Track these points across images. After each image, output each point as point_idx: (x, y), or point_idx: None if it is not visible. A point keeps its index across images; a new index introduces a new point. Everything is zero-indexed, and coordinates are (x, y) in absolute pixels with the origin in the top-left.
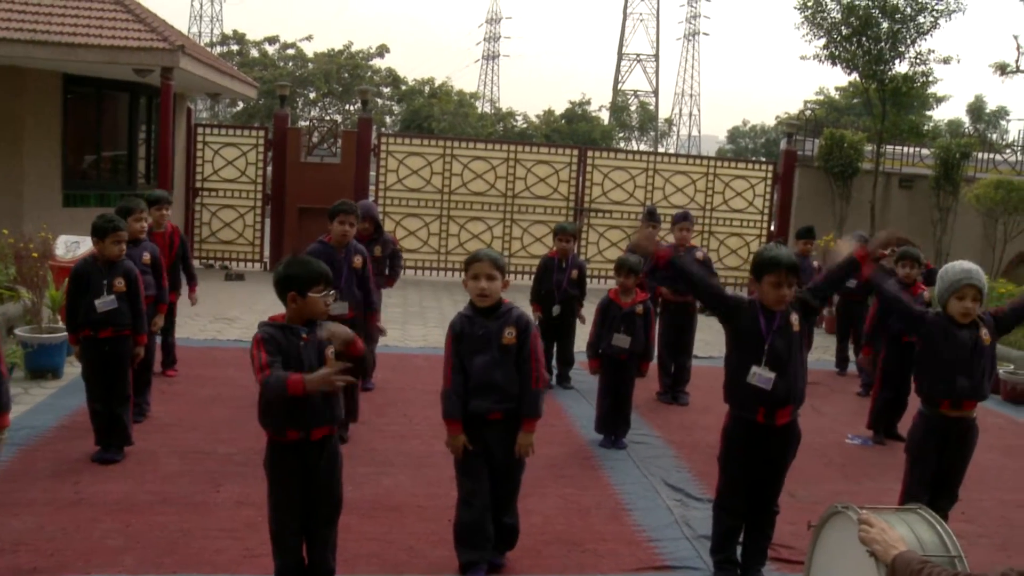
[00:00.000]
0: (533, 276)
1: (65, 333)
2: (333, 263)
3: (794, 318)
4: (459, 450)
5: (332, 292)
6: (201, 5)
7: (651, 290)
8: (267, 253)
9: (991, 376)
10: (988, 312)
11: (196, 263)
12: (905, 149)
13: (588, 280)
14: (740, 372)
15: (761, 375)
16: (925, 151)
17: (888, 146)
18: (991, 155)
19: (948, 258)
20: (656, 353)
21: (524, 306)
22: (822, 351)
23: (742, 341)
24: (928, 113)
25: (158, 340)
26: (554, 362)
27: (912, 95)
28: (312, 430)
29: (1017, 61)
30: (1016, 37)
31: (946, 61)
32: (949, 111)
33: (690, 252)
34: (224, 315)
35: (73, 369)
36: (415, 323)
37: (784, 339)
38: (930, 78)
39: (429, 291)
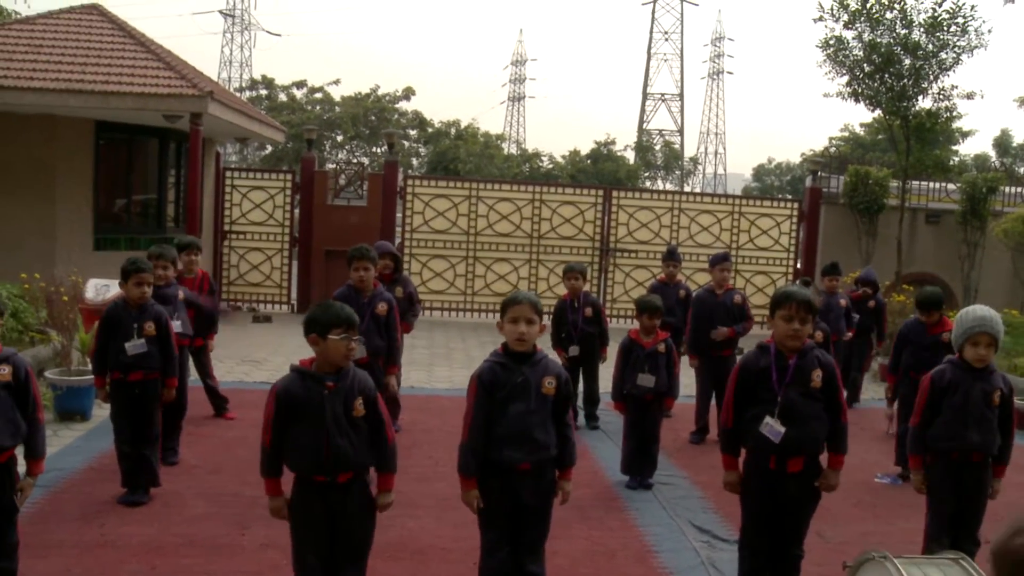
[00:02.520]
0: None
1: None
2: (356, 307)
3: (816, 374)
4: (472, 506)
5: (357, 338)
6: (231, 51)
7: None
8: (294, 295)
9: (1009, 433)
10: (1007, 381)
11: (224, 305)
12: (931, 184)
13: (614, 320)
14: (755, 420)
15: (772, 427)
16: (951, 186)
17: (914, 181)
18: (1018, 189)
19: (977, 293)
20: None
21: (547, 350)
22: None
23: (757, 390)
24: (954, 148)
25: (188, 383)
26: (579, 402)
27: (936, 130)
28: (338, 475)
29: None
30: None
31: (970, 96)
32: (975, 145)
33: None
34: (251, 357)
35: (101, 411)
36: (441, 364)
37: (799, 391)
38: (954, 113)
39: (455, 332)
